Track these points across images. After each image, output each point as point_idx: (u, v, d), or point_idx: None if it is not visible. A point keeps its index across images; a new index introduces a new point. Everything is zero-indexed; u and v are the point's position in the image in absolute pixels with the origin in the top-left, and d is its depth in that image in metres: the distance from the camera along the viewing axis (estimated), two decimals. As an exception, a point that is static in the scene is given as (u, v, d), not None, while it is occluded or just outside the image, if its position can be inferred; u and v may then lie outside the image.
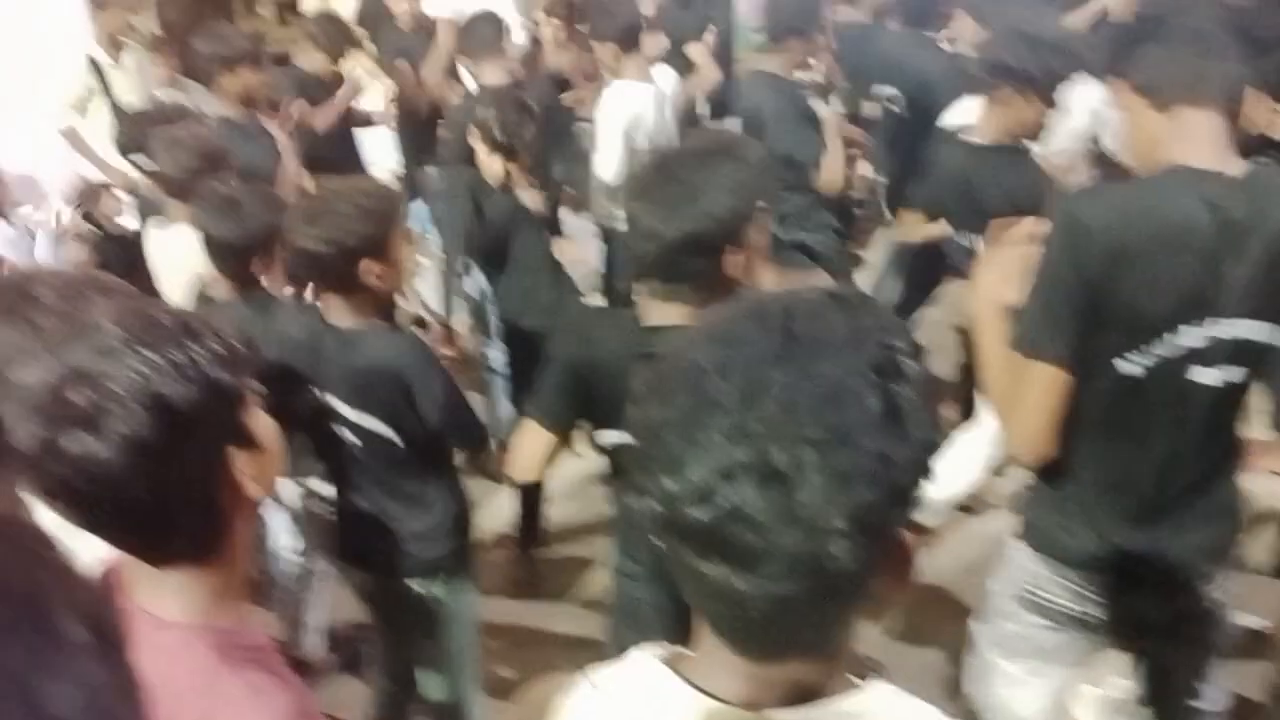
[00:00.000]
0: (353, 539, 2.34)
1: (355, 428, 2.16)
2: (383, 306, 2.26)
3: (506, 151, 3.14)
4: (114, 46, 5.03)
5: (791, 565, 0.70)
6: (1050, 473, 1.81)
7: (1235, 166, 1.62)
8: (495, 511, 3.59)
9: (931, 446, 0.74)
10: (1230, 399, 1.71)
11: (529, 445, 1.94)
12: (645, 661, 0.87)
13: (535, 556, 3.58)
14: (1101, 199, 1.69)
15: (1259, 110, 2.60)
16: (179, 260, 2.77)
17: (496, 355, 3.59)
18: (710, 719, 0.81)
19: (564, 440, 1.95)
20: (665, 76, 4.10)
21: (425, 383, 2.13)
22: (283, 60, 5.49)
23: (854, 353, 0.72)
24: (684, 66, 4.47)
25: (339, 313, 2.14)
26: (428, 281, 4.80)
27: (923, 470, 0.74)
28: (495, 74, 3.93)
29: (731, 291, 1.66)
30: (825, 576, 0.70)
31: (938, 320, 3.94)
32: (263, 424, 1.11)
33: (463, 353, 3.51)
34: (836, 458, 0.69)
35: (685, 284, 1.68)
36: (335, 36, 4.59)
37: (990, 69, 2.90)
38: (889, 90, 4.35)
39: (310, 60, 4.59)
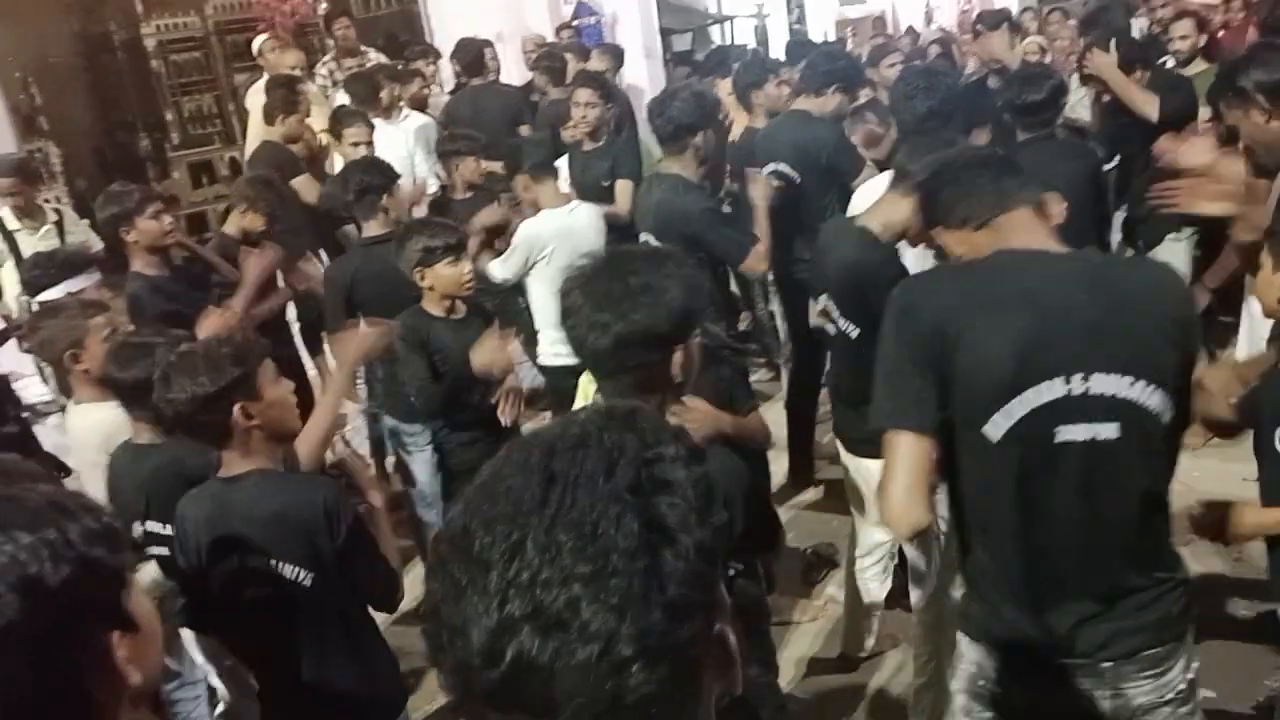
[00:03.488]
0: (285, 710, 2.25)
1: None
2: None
3: (456, 249, 3.13)
4: (28, 215, 4.91)
5: (591, 703, 0.70)
6: (966, 554, 1.84)
7: (1059, 249, 1.76)
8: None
9: (710, 545, 0.75)
10: (1115, 458, 1.67)
11: None
12: None
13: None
14: (930, 276, 1.79)
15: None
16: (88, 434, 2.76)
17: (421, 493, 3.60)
18: None
19: None
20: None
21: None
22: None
23: (608, 478, 0.74)
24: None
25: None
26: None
27: (707, 566, 0.75)
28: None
29: (671, 390, 1.76)
30: (630, 706, 0.71)
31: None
32: (142, 605, 1.03)
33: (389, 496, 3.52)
34: (606, 588, 0.70)
35: (629, 378, 1.71)
36: (268, 196, 4.26)
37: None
38: (777, 166, 4.19)
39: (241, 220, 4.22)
